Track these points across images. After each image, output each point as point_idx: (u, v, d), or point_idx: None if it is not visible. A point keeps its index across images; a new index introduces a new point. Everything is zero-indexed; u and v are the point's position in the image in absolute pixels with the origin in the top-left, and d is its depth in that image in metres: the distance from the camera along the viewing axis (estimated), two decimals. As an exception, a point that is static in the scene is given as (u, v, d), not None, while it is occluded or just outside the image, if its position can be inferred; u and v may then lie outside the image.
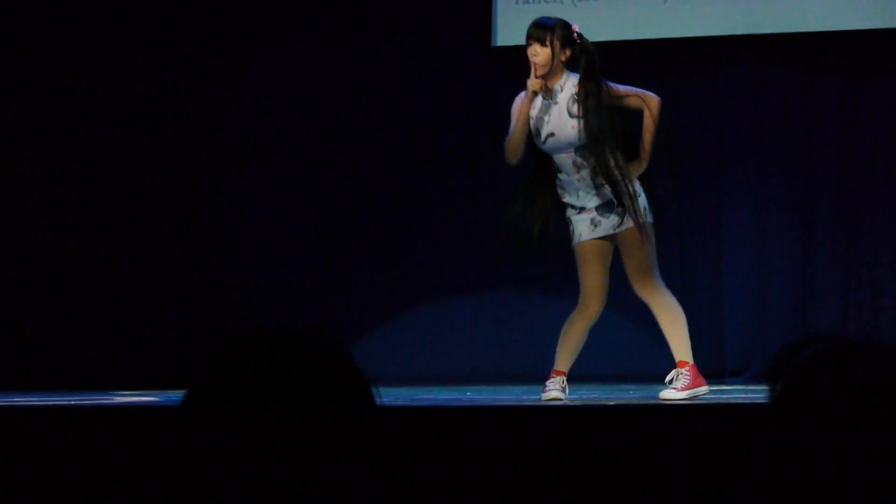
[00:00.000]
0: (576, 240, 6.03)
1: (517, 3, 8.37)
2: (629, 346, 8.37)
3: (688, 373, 5.93)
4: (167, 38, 8.82)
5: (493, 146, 8.39)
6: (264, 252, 8.80)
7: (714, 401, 5.83)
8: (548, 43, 5.92)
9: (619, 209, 5.93)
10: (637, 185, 5.96)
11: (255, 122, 8.84)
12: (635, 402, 6.04)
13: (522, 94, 6.05)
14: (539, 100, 6.00)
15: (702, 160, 8.41)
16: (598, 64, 5.97)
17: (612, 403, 5.61)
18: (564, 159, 5.97)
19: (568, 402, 5.73)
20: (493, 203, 8.52)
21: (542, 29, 5.96)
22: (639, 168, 5.96)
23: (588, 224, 5.98)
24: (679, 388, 5.90)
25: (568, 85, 5.97)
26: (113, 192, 8.80)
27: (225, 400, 1.40)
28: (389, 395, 6.89)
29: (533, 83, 5.96)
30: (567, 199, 6.03)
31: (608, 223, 5.95)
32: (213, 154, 8.84)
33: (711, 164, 8.40)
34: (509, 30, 8.34)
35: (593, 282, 5.98)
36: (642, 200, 5.96)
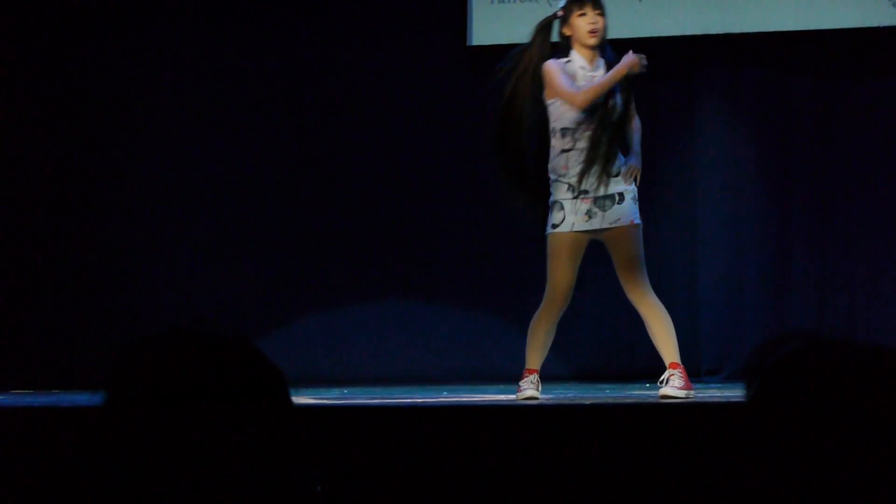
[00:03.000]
0: (562, 228, 5.89)
1: (492, 2, 8.37)
2: (604, 345, 8.39)
3: (681, 374, 5.92)
4: (70, 26, 8.78)
5: (468, 144, 8.43)
6: (202, 252, 8.77)
7: (690, 400, 5.84)
8: (604, 13, 5.94)
9: (619, 205, 5.86)
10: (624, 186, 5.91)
11: (178, 119, 8.81)
12: (611, 401, 6.04)
13: (563, 62, 5.93)
14: (579, 71, 5.94)
15: (677, 159, 8.43)
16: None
17: (588, 402, 5.61)
18: (586, 133, 5.89)
19: (544, 402, 5.73)
20: (469, 201, 8.55)
21: (598, 1, 5.95)
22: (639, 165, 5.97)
23: (583, 214, 5.86)
24: (679, 387, 5.89)
25: (602, 59, 5.97)
26: (12, 186, 8.74)
27: (143, 400, 1.40)
28: (366, 395, 6.89)
29: (633, 63, 5.84)
30: (569, 178, 5.93)
31: (604, 217, 5.85)
32: (124, 149, 8.78)
33: (687, 163, 8.42)
34: (485, 29, 8.34)
35: (563, 277, 5.91)
36: (636, 201, 5.93)
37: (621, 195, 5.87)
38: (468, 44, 8.48)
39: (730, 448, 1.31)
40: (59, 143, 8.80)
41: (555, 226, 5.93)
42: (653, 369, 8.36)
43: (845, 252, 8.25)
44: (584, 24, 5.91)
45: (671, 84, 8.41)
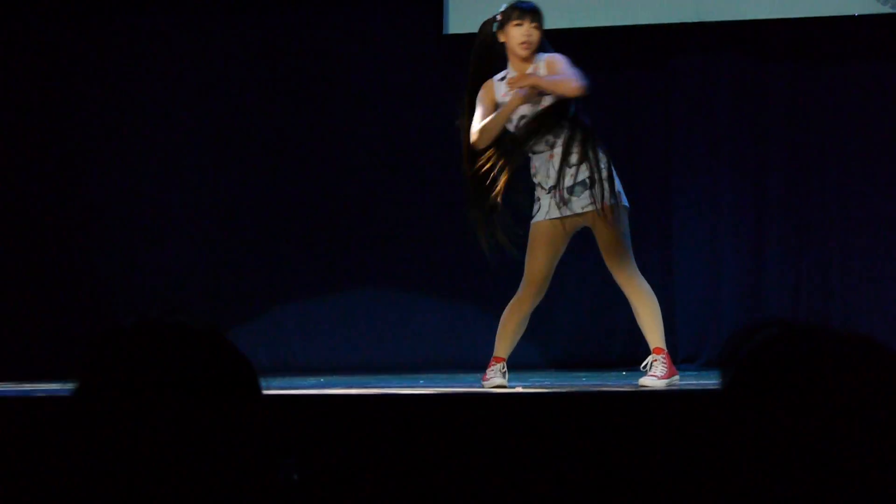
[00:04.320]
0: (537, 217, 5.94)
1: (469, -10, 8.37)
2: (581, 333, 8.40)
3: (664, 360, 5.93)
4: (41, 22, 8.76)
5: (443, 135, 8.42)
6: (177, 244, 8.76)
7: (666, 387, 5.86)
8: (540, 27, 5.96)
9: (593, 189, 5.87)
10: (608, 166, 5.91)
11: (152, 113, 8.79)
12: (587, 388, 6.05)
13: (498, 82, 6.00)
14: (503, 87, 5.98)
15: (652, 148, 8.45)
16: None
17: (564, 390, 5.62)
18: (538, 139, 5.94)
19: (522, 390, 5.74)
20: (445, 189, 8.55)
21: (538, 13, 5.98)
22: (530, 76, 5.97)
23: (557, 201, 5.90)
24: (659, 376, 5.89)
25: (539, 68, 5.96)
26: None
27: (113, 391, 1.40)
28: (343, 384, 6.86)
29: (523, 80, 5.90)
30: (538, 178, 5.98)
31: (578, 202, 5.88)
32: (97, 140, 8.77)
33: (662, 152, 8.43)
34: (461, 17, 8.33)
35: (539, 266, 5.93)
36: (617, 184, 5.94)
37: (591, 179, 5.88)
38: (444, 32, 8.48)
39: (706, 435, 1.32)
40: (31, 133, 8.77)
41: (533, 217, 5.97)
42: (630, 357, 8.38)
43: (821, 240, 8.27)
44: (518, 34, 5.95)
45: (645, 73, 8.42)
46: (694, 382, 6.42)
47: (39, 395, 5.58)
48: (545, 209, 5.93)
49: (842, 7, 8.05)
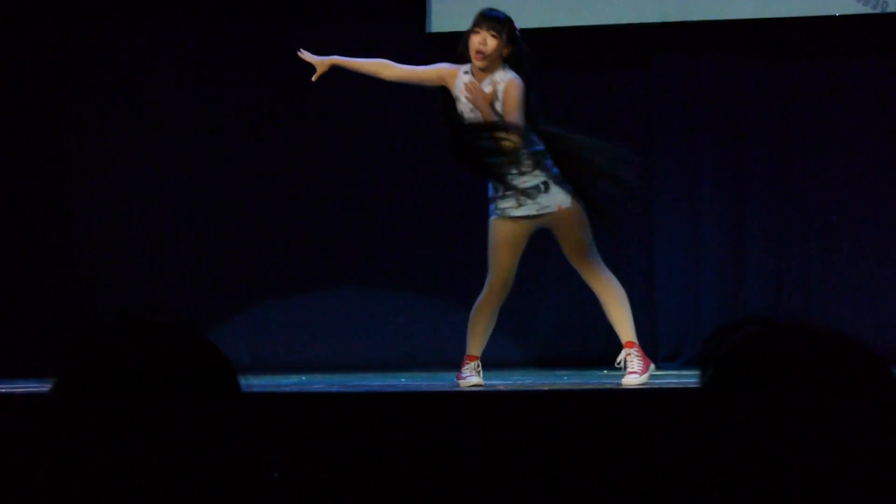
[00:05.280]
0: (497, 215, 5.98)
1: (451, -11, 8.36)
2: (562, 331, 8.40)
3: (638, 353, 5.95)
4: (24, 15, 8.73)
5: (425, 134, 8.40)
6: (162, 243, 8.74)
7: (647, 386, 5.87)
8: (499, 36, 5.93)
9: (546, 193, 5.91)
10: (547, 175, 5.94)
11: (133, 109, 8.76)
12: (569, 387, 6.06)
13: (462, 73, 6.03)
14: (461, 83, 6.01)
15: (634, 147, 8.45)
16: (527, 68, 6.01)
17: (545, 389, 5.63)
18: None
19: (503, 388, 5.75)
20: (426, 189, 8.55)
21: (497, 21, 5.96)
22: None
23: (513, 202, 5.94)
24: (639, 372, 5.91)
25: (500, 81, 5.97)
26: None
27: (92, 389, 1.39)
28: (325, 382, 6.87)
29: (473, 88, 5.94)
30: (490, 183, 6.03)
31: (534, 204, 5.92)
32: (78, 135, 8.74)
33: (643, 151, 8.43)
34: (444, 16, 8.33)
35: (502, 264, 5.97)
36: (566, 188, 5.96)
37: (545, 184, 5.92)
38: (427, 31, 8.47)
39: (686, 433, 1.32)
40: (12, 129, 8.73)
41: (491, 214, 6.03)
42: (610, 355, 8.38)
43: (802, 238, 8.29)
44: (474, 42, 5.97)
45: (627, 72, 8.43)
46: (675, 381, 6.44)
47: (18, 393, 5.56)
48: (504, 207, 5.95)
49: (823, 7, 8.07)
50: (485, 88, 5.96)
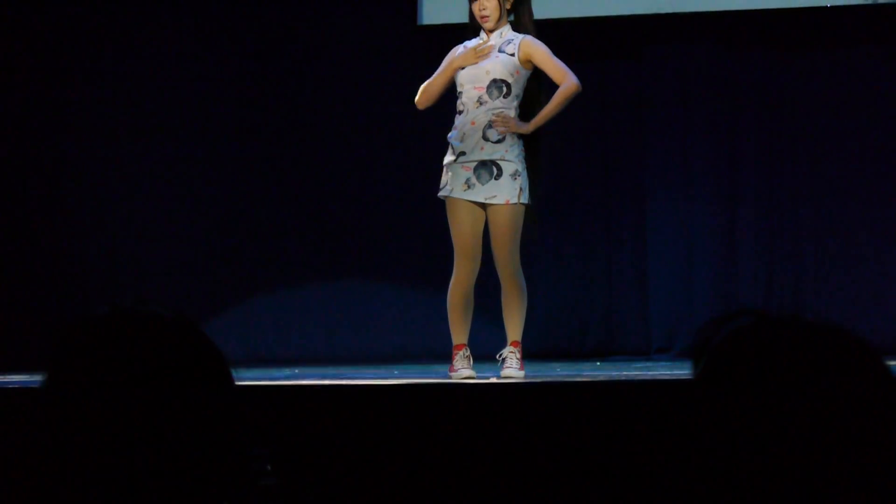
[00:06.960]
0: (443, 192, 5.99)
1: (442, -19, 8.36)
2: (555, 324, 8.41)
3: (519, 354, 5.99)
4: (24, 13, 8.73)
5: (416, 125, 8.41)
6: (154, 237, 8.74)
7: (640, 377, 5.87)
8: None
9: (496, 181, 5.90)
10: (520, 164, 5.94)
11: (128, 106, 8.76)
12: (562, 379, 6.06)
13: (461, 49, 6.05)
14: (463, 50, 6.04)
15: (627, 138, 8.46)
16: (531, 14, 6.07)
17: (539, 381, 5.63)
18: (472, 93, 5.96)
19: (495, 381, 5.75)
20: (417, 182, 8.54)
21: None
22: (522, 129, 5.96)
23: (462, 181, 5.93)
24: (518, 368, 5.96)
25: (514, 38, 6.00)
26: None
27: (84, 381, 1.39)
28: (318, 374, 6.85)
29: (478, 53, 5.96)
30: (452, 139, 5.99)
31: (481, 190, 5.92)
32: (68, 129, 8.74)
33: (636, 142, 8.45)
34: (435, 8, 8.33)
35: (462, 240, 5.97)
36: (522, 180, 5.95)
37: (500, 169, 5.90)
38: (418, 23, 8.47)
39: (679, 425, 1.32)
40: (5, 124, 8.73)
41: (441, 188, 6.00)
42: (604, 347, 8.40)
43: (793, 230, 8.30)
44: (475, 10, 6.01)
45: (620, 63, 8.43)
46: (667, 372, 6.44)
47: (10, 386, 5.56)
48: (451, 185, 5.96)
49: (815, -2, 8.08)
50: (492, 41, 5.99)
